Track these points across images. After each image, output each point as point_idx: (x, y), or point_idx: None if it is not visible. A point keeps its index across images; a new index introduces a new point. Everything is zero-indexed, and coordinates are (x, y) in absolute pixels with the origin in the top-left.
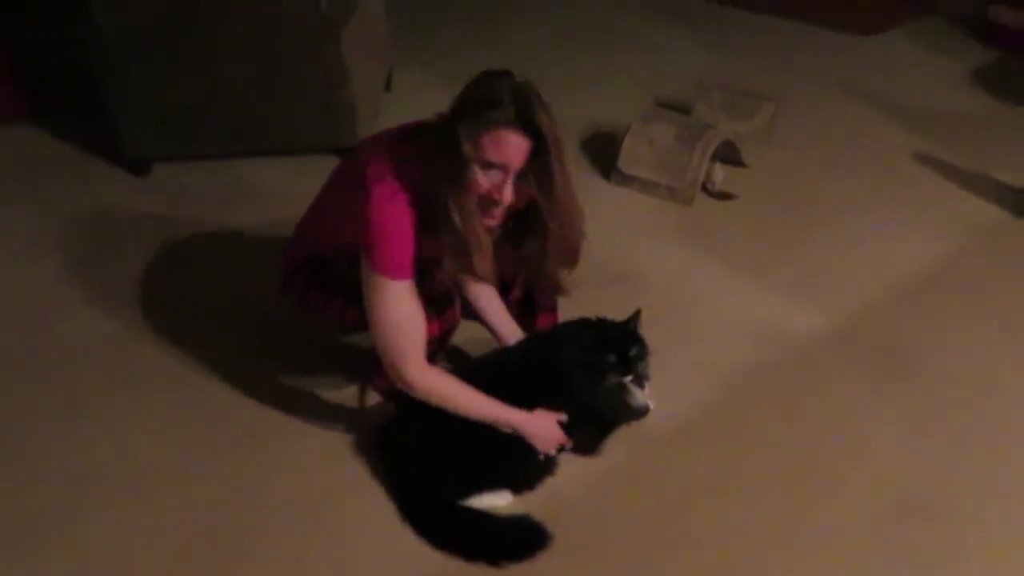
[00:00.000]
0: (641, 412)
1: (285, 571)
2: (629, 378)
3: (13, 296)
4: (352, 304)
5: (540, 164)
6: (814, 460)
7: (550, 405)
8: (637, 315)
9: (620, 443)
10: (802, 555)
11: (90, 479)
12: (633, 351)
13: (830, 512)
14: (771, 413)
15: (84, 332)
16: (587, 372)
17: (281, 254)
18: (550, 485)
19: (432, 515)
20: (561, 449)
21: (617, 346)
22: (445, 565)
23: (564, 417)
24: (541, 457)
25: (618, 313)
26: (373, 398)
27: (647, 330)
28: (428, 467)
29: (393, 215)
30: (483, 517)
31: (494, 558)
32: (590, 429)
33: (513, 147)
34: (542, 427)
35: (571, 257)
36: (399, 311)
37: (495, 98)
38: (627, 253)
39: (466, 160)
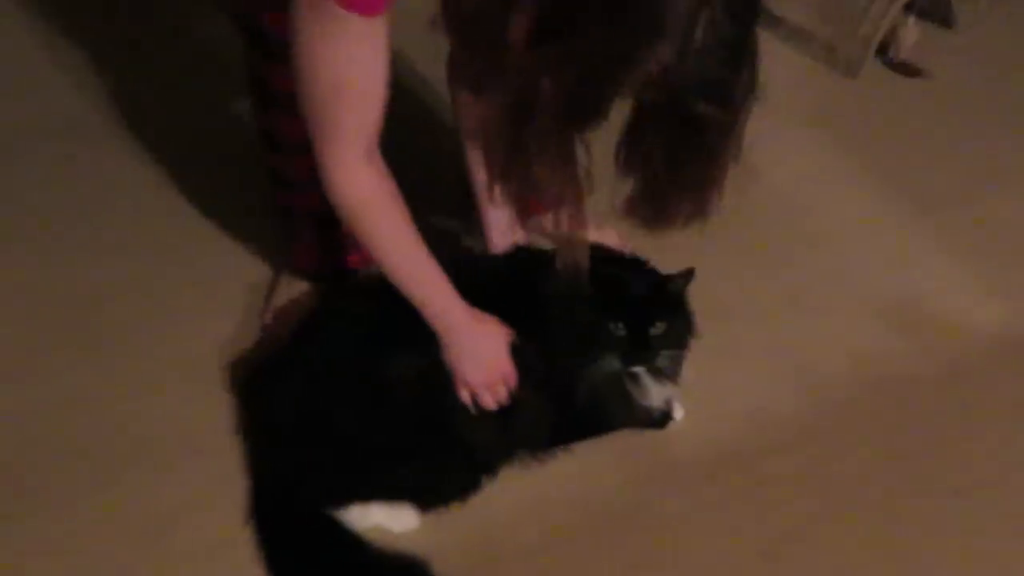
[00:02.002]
0: (652, 419)
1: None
2: (640, 368)
3: None
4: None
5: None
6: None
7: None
8: (687, 276)
9: (614, 461)
10: None
11: None
12: (658, 328)
13: None
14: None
15: None
16: (574, 342)
17: None
18: (485, 511)
19: (283, 523)
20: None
21: (634, 314)
22: None
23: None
24: (471, 409)
25: (689, 250)
26: (289, 291)
27: (721, 282)
28: (295, 449)
29: None
30: (354, 547)
31: None
32: (559, 420)
33: None
34: (484, 348)
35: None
36: (348, 66)
37: None
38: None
39: None
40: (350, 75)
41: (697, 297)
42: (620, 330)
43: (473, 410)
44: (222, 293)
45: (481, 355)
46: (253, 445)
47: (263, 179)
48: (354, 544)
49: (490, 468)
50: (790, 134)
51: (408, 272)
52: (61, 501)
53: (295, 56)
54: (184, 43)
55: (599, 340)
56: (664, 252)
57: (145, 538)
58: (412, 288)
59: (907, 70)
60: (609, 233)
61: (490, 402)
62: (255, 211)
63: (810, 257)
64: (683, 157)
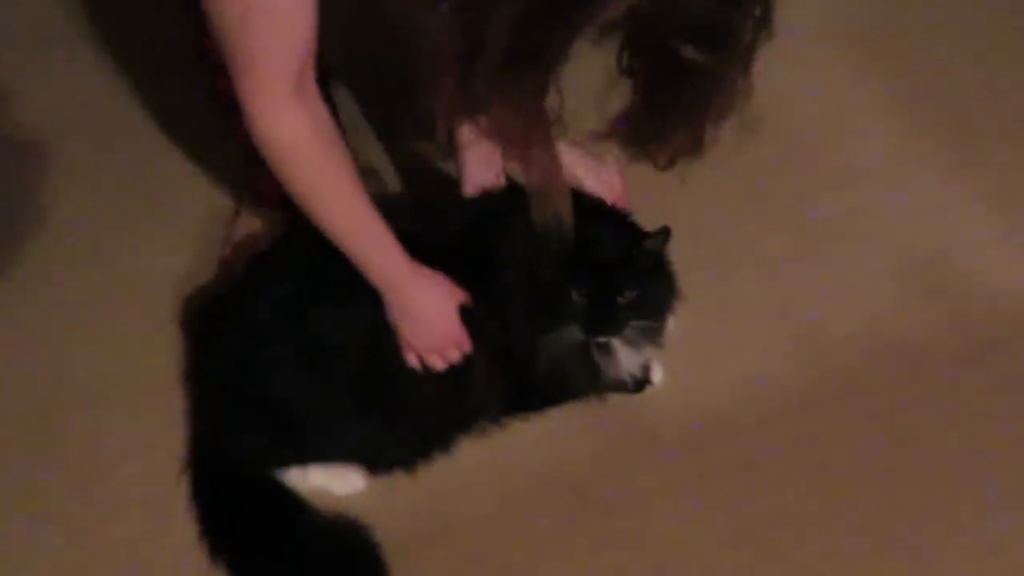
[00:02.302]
0: (625, 386)
1: None
2: (608, 339)
3: None
4: None
5: None
6: None
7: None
8: (663, 235)
9: (583, 427)
10: None
11: None
12: (627, 296)
13: None
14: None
15: None
16: (531, 308)
17: None
18: (438, 476)
19: (219, 477)
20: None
21: (600, 278)
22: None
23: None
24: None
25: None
26: (251, 223)
27: (726, 228)
28: (234, 402)
29: None
30: (290, 508)
31: None
32: (517, 388)
33: None
34: (429, 310)
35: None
36: None
37: None
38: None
39: None
40: None
41: (697, 243)
42: (582, 297)
43: (421, 372)
44: (182, 223)
45: (426, 317)
46: (195, 392)
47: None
48: (290, 505)
49: (441, 438)
50: (812, 60)
51: (341, 225)
52: None
53: None
54: None
55: (559, 307)
56: (667, 193)
57: (79, 484)
58: (347, 243)
59: None
60: (609, 169)
61: (438, 365)
62: (217, 135)
63: (830, 202)
64: (665, 98)
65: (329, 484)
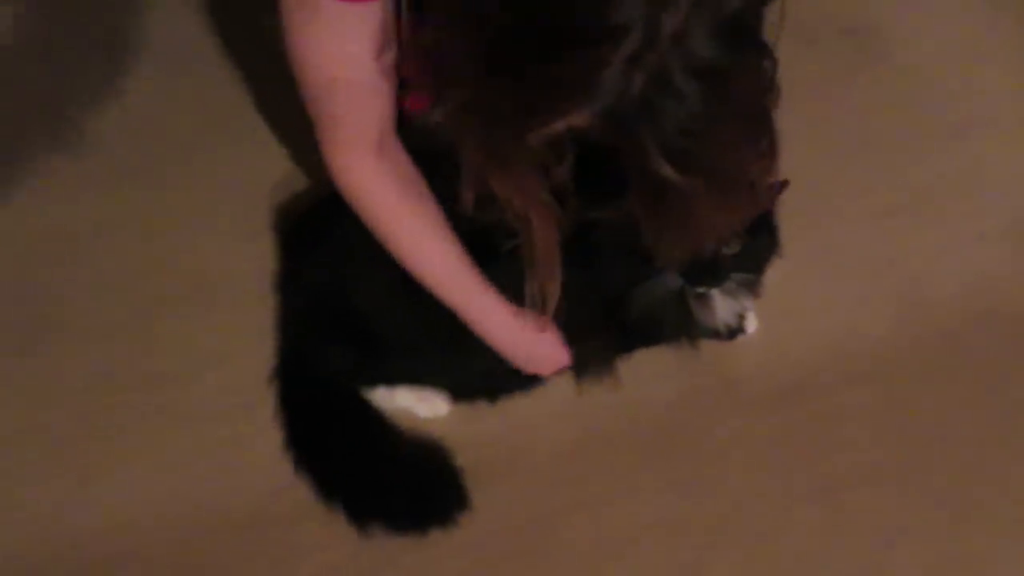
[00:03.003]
0: (718, 334)
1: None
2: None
3: None
4: None
5: None
6: None
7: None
8: (780, 187)
9: (670, 371)
10: None
11: None
12: (732, 246)
13: None
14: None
15: None
16: (629, 256)
17: None
18: (521, 406)
19: (306, 390)
20: None
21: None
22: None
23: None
24: None
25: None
26: None
27: (833, 178)
28: (323, 318)
29: None
30: (375, 424)
31: (359, 509)
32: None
33: None
34: (534, 355)
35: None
36: (338, 58)
37: None
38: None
39: None
40: (341, 68)
41: (798, 191)
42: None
43: None
44: (282, 126)
45: (530, 361)
46: (285, 303)
47: None
48: (375, 422)
49: (526, 379)
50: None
51: (431, 273)
52: (92, 335)
53: (287, 46)
54: None
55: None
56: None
57: (172, 381)
58: (441, 294)
59: None
60: None
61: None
62: None
63: (946, 154)
64: (648, 212)
65: (414, 406)
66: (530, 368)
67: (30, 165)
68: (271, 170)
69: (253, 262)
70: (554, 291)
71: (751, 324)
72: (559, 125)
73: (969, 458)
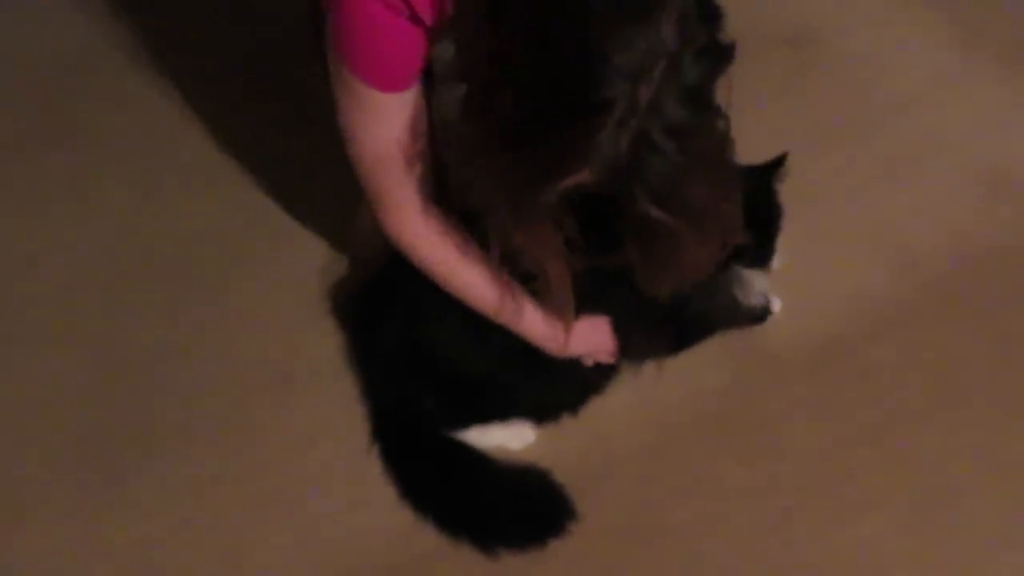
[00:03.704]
0: (755, 316)
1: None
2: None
3: None
4: None
5: None
6: None
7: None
8: (780, 163)
9: (717, 360)
10: None
11: None
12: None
13: None
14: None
15: None
16: None
17: None
18: (596, 418)
19: (407, 445)
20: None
21: (754, 213)
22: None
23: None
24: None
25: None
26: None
27: (809, 162)
28: (405, 378)
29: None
30: (479, 461)
31: (482, 536)
32: (656, 332)
33: None
34: (588, 342)
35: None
36: (387, 139)
37: None
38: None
39: None
40: (389, 148)
41: (782, 189)
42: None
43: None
44: (311, 225)
45: (585, 347)
46: (364, 372)
47: None
48: (477, 458)
49: (599, 385)
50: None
51: (484, 302)
52: (196, 441)
53: (339, 128)
54: None
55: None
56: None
57: (280, 467)
58: (496, 315)
59: None
60: None
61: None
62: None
63: (901, 125)
64: (636, 250)
65: (506, 441)
66: (589, 355)
67: None
68: (308, 263)
69: (318, 346)
70: (570, 318)
71: (775, 304)
72: (568, 182)
73: (986, 380)
